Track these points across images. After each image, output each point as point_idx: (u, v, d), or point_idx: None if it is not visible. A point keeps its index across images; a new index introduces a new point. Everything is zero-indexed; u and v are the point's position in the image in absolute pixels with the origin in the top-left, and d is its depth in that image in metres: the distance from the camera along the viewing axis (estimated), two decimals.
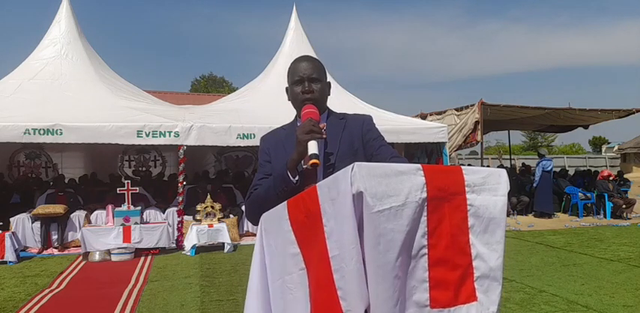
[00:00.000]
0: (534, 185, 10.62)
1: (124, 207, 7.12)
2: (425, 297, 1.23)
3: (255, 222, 1.55)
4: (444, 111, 11.24)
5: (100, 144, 7.32)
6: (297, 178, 1.53)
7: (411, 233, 1.20)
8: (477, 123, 9.95)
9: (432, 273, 1.23)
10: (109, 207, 7.17)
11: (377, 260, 1.15)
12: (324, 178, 1.57)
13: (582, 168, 14.65)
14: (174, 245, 7.47)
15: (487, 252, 1.29)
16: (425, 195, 1.21)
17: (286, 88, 1.80)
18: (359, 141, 1.68)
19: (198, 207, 7.39)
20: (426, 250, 1.23)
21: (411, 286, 1.22)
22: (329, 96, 1.79)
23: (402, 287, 1.20)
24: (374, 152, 1.67)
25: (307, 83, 1.68)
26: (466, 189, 1.28)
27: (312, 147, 1.49)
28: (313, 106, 1.63)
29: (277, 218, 1.36)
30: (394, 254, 1.16)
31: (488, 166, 16.15)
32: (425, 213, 1.22)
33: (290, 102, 1.77)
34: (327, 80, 1.77)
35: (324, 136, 1.55)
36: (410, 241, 1.20)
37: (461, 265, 1.27)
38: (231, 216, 8.11)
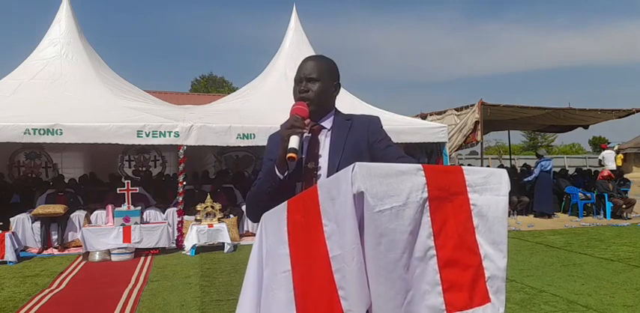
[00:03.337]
0: (527, 179, 10.64)
1: (124, 207, 7.11)
2: (439, 301, 1.20)
3: (253, 219, 1.57)
4: (444, 111, 11.23)
5: (100, 144, 7.31)
6: (285, 174, 1.54)
7: (413, 233, 1.19)
8: (477, 123, 9.94)
9: (443, 275, 1.21)
10: (109, 207, 7.17)
11: (378, 260, 1.14)
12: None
13: (583, 168, 14.64)
14: (174, 245, 7.47)
15: (493, 252, 1.28)
16: (426, 195, 1.21)
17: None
18: (365, 142, 1.66)
19: (198, 207, 7.39)
20: (433, 251, 1.21)
21: (423, 290, 1.19)
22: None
23: (409, 289, 1.18)
24: (380, 153, 1.65)
25: (304, 82, 1.69)
26: (468, 188, 1.28)
27: (293, 141, 1.51)
28: (302, 103, 1.65)
29: (277, 218, 1.36)
30: (396, 254, 1.16)
31: (488, 166, 16.14)
32: (427, 214, 1.21)
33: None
34: (334, 81, 1.74)
35: (305, 131, 1.58)
36: (413, 242, 1.19)
37: (472, 265, 1.25)
38: (231, 216, 8.10)
